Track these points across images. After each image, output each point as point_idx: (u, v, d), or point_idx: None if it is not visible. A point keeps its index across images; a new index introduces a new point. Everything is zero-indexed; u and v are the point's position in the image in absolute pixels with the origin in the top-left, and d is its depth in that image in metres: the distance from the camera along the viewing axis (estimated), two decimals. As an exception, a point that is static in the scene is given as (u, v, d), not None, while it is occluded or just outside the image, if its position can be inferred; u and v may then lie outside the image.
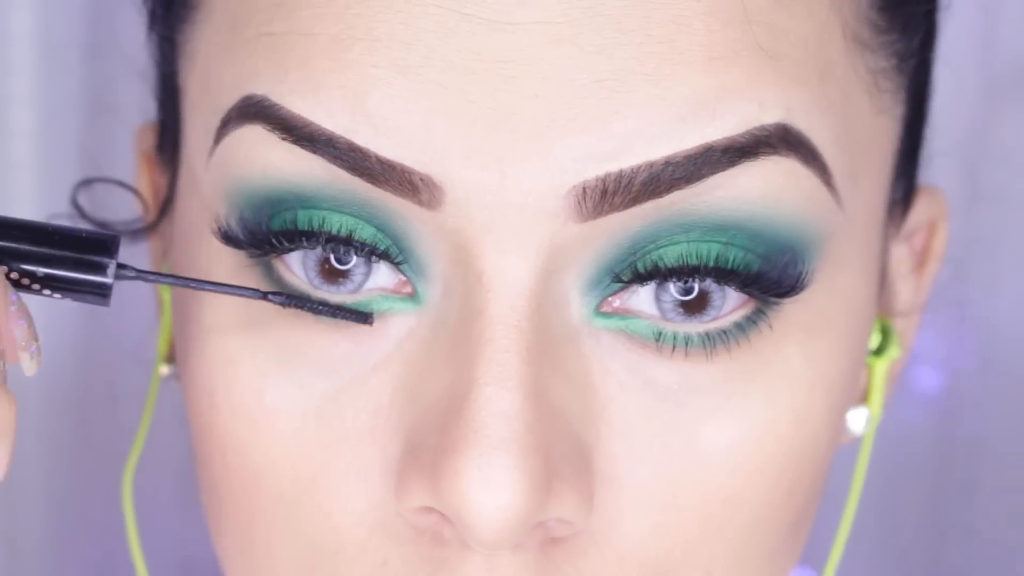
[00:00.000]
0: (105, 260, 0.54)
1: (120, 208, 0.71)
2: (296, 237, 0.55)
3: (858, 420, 0.66)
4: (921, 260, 0.67)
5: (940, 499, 0.99)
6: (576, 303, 0.55)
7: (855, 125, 0.58)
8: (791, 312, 0.57)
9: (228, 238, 0.57)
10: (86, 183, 0.72)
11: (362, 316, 0.55)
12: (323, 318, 0.56)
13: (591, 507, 0.55)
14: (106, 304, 0.55)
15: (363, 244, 0.55)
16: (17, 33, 0.91)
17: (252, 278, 0.57)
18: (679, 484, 0.56)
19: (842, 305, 0.59)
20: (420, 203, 0.54)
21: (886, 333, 0.66)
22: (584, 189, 0.53)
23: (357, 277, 0.56)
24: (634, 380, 0.56)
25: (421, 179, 0.53)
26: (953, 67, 0.83)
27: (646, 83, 0.53)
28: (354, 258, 0.56)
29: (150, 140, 0.68)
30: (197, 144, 0.59)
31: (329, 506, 0.57)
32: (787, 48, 0.55)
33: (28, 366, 0.54)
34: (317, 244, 0.55)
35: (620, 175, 0.53)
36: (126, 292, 0.62)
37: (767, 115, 0.54)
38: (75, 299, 0.55)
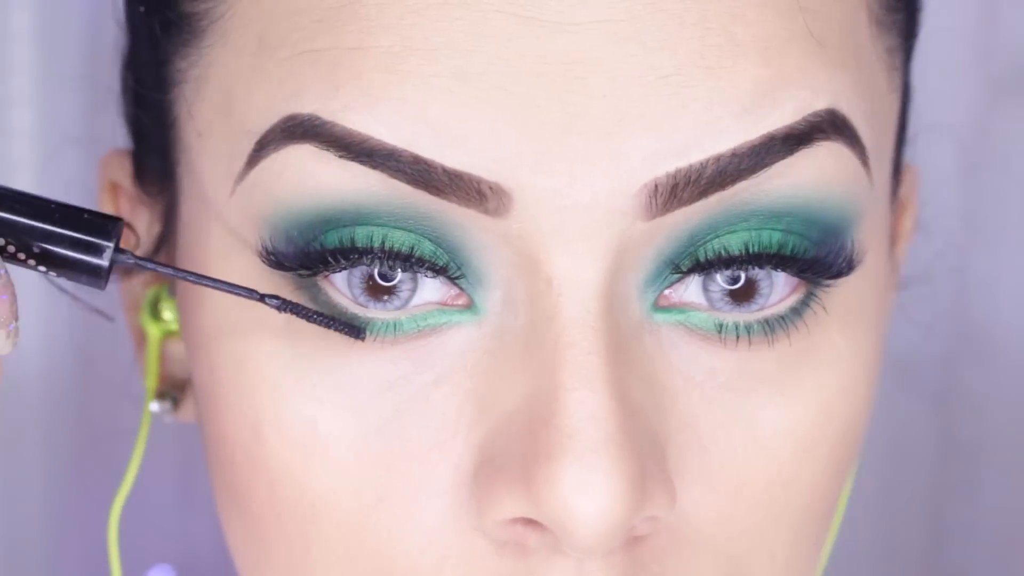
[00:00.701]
0: (103, 243, 0.53)
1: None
2: (351, 254, 0.54)
3: None
4: (895, 237, 0.68)
5: (940, 499, 0.99)
6: (636, 300, 0.55)
7: (878, 105, 0.59)
8: (833, 292, 0.57)
9: (275, 261, 0.55)
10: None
11: (355, 330, 0.54)
12: (382, 334, 0.55)
13: (675, 502, 0.55)
14: (101, 287, 0.54)
15: (423, 260, 0.54)
16: (17, 33, 0.91)
17: (300, 299, 0.56)
18: (744, 471, 0.56)
19: (871, 281, 0.60)
20: (486, 212, 0.53)
21: None
22: (656, 186, 0.53)
23: (404, 293, 0.55)
24: (696, 372, 0.56)
25: (490, 187, 0.53)
26: (953, 67, 0.83)
27: (709, 77, 0.53)
28: (399, 273, 0.55)
29: (122, 169, 0.66)
30: (213, 171, 0.58)
31: (398, 528, 0.55)
32: (830, 34, 0.56)
33: (2, 345, 0.53)
34: (373, 260, 0.54)
35: (690, 170, 0.53)
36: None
37: (819, 101, 0.55)
38: (70, 279, 0.54)
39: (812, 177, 0.55)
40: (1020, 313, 0.97)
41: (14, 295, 0.53)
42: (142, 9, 0.61)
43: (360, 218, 0.54)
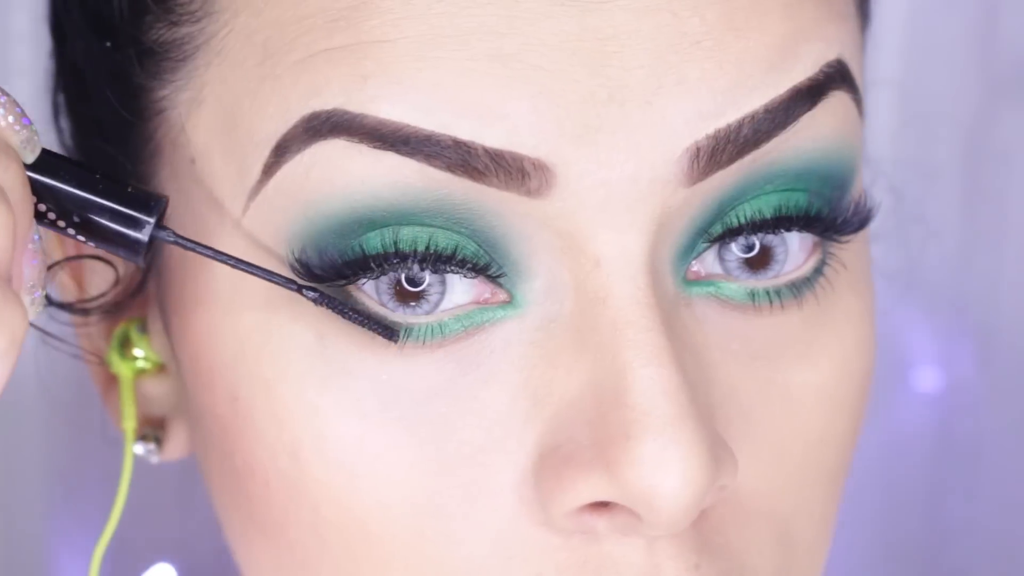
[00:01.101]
0: (145, 218, 0.53)
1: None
2: (393, 258, 0.53)
3: None
4: None
5: (940, 499, 0.99)
6: (671, 274, 0.55)
7: (860, 53, 0.60)
8: (846, 248, 0.59)
9: (311, 273, 0.54)
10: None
11: (389, 331, 0.53)
12: (411, 340, 0.54)
13: (739, 469, 0.55)
14: (139, 262, 0.53)
15: (465, 260, 0.54)
16: (17, 33, 0.91)
17: (323, 312, 0.54)
18: (783, 434, 0.57)
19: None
20: (528, 193, 0.53)
21: None
22: (697, 149, 0.54)
23: (433, 297, 0.54)
24: (731, 343, 0.56)
25: (533, 164, 0.53)
26: (953, 67, 0.83)
27: (737, 38, 0.54)
28: (428, 276, 0.54)
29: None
30: (214, 194, 0.56)
31: (459, 533, 0.55)
32: None
33: (27, 310, 0.52)
34: (415, 263, 0.54)
35: (728, 129, 0.54)
36: None
37: (831, 52, 0.56)
38: (108, 251, 0.53)
39: (830, 128, 0.56)
40: (1020, 313, 0.97)
41: (45, 262, 0.52)
42: (108, 44, 0.58)
43: (400, 216, 0.53)
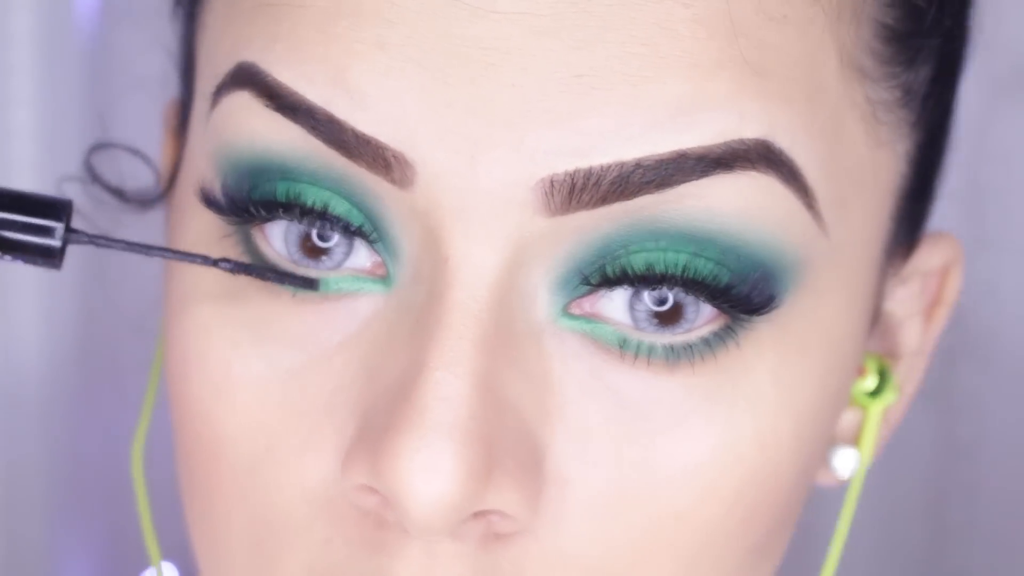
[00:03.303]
0: (53, 224, 0.54)
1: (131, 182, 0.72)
2: (274, 207, 0.56)
3: (846, 462, 0.65)
4: (932, 305, 0.66)
5: (940, 499, 0.99)
6: (544, 301, 0.55)
7: (848, 152, 0.57)
8: (765, 334, 0.56)
9: (210, 202, 0.57)
10: (100, 147, 0.72)
11: (308, 282, 0.56)
12: (302, 292, 0.57)
13: (535, 505, 0.55)
14: (56, 267, 0.55)
15: (337, 219, 0.55)
16: (17, 33, 0.91)
17: (232, 247, 0.58)
18: (631, 494, 0.55)
19: (821, 335, 0.58)
20: (393, 181, 0.54)
21: (884, 375, 0.65)
22: (552, 182, 0.53)
23: (337, 255, 0.57)
24: (596, 384, 0.55)
25: (394, 156, 0.53)
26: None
27: (625, 83, 0.53)
28: (336, 236, 0.56)
29: (175, 114, 0.69)
30: (199, 111, 0.60)
31: (282, 480, 0.57)
32: (775, 65, 0.54)
33: None
34: (294, 217, 0.56)
35: (589, 172, 0.53)
36: (130, 264, 0.63)
37: (747, 129, 0.54)
38: (26, 261, 0.55)
39: (732, 205, 0.54)
40: (1020, 313, 0.97)
41: None
42: None
43: (283, 173, 0.55)
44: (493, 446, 0.53)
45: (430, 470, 0.52)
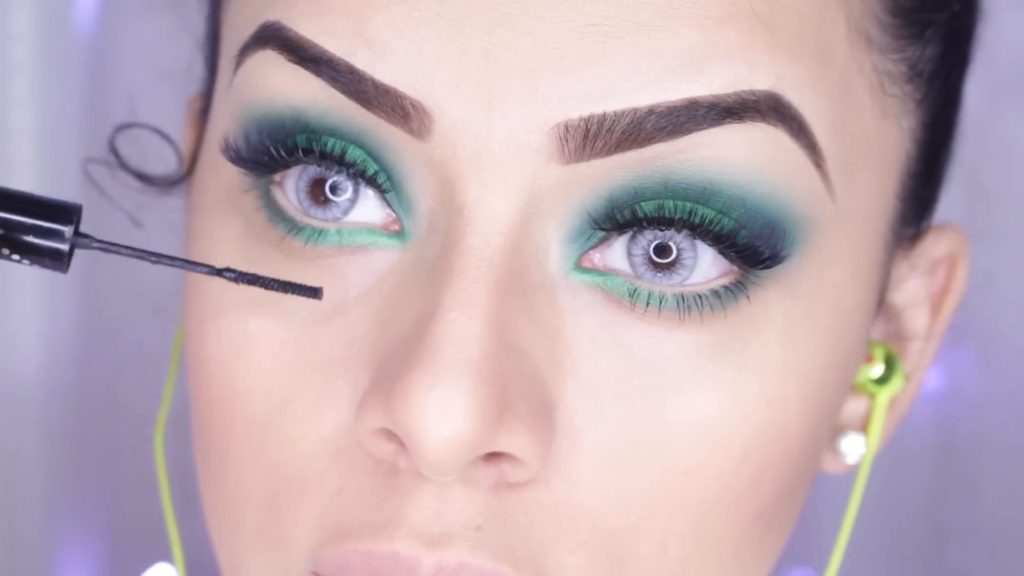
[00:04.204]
0: (62, 228, 0.55)
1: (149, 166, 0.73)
2: (294, 151, 0.57)
3: (853, 447, 0.65)
4: (940, 294, 0.67)
5: (940, 499, 0.99)
6: (556, 254, 0.56)
7: (854, 118, 0.58)
8: (773, 293, 0.57)
9: (232, 155, 0.58)
10: (125, 127, 0.74)
11: (311, 291, 0.56)
12: (317, 245, 0.58)
13: (546, 452, 0.55)
14: (63, 271, 0.56)
15: (352, 163, 0.56)
16: (17, 33, 0.91)
17: (252, 201, 0.59)
18: (640, 448, 0.56)
19: (828, 303, 0.59)
20: (410, 131, 0.55)
21: (891, 363, 0.66)
22: (567, 127, 0.54)
23: (344, 204, 0.57)
24: (607, 338, 0.56)
25: (412, 104, 0.55)
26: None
27: (638, 31, 0.54)
28: (349, 189, 0.57)
29: (197, 107, 0.70)
30: (222, 81, 0.61)
31: (296, 433, 0.57)
32: (783, 21, 0.56)
33: None
34: (313, 160, 0.57)
35: (603, 117, 0.54)
36: (130, 264, 0.63)
37: (757, 80, 0.55)
38: (34, 263, 0.55)
39: (742, 156, 0.55)
40: (1020, 313, 0.97)
41: None
42: None
43: (302, 126, 0.57)
44: (506, 388, 0.54)
45: (444, 408, 0.53)
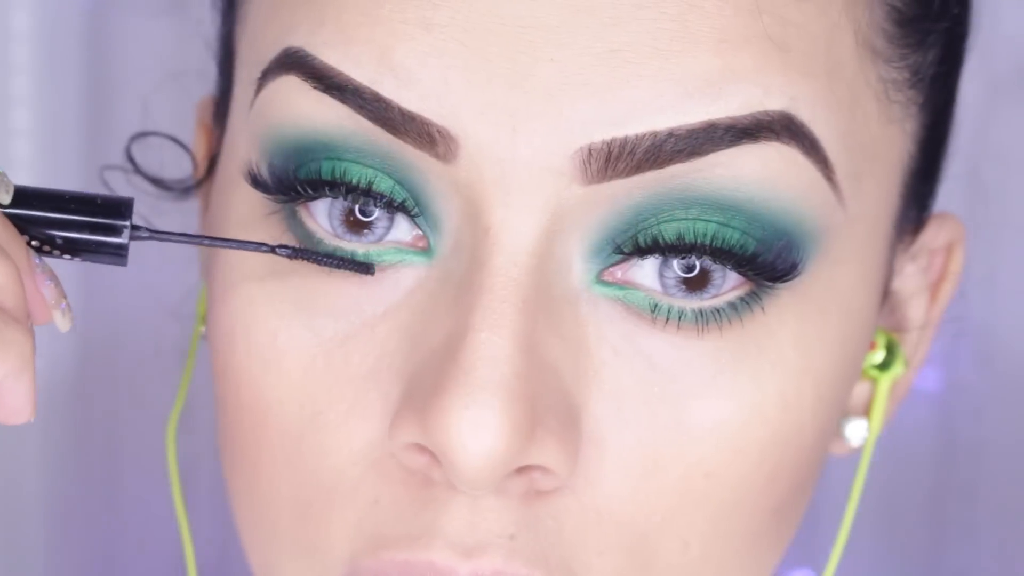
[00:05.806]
0: (120, 223, 0.56)
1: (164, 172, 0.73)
2: (320, 186, 0.58)
3: (857, 432, 0.67)
4: (937, 281, 0.69)
5: (940, 499, 0.99)
6: (578, 268, 0.57)
7: (862, 128, 0.60)
8: (787, 300, 0.59)
9: (257, 182, 0.59)
10: (140, 135, 0.74)
11: (364, 267, 0.58)
12: (335, 271, 0.59)
13: (574, 461, 0.57)
14: (123, 264, 0.57)
15: (381, 195, 0.57)
16: (17, 33, 0.91)
17: (277, 224, 0.60)
18: (662, 452, 0.58)
19: (839, 304, 0.60)
20: (437, 156, 0.56)
21: (892, 349, 0.68)
22: (590, 151, 0.55)
23: (379, 230, 0.59)
24: (628, 347, 0.58)
25: (438, 131, 0.56)
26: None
27: (657, 57, 0.55)
28: (376, 211, 0.58)
29: (208, 110, 0.71)
30: (241, 99, 0.62)
31: (328, 445, 0.59)
32: (796, 41, 0.57)
33: (61, 323, 0.57)
34: (339, 194, 0.58)
35: (625, 141, 0.55)
36: (168, 252, 0.64)
37: (771, 101, 0.56)
38: (94, 261, 0.57)
39: (758, 174, 0.56)
40: (1020, 313, 0.97)
41: (57, 279, 0.57)
42: None
43: (328, 151, 0.58)
44: (536, 404, 0.56)
45: (478, 426, 0.54)
